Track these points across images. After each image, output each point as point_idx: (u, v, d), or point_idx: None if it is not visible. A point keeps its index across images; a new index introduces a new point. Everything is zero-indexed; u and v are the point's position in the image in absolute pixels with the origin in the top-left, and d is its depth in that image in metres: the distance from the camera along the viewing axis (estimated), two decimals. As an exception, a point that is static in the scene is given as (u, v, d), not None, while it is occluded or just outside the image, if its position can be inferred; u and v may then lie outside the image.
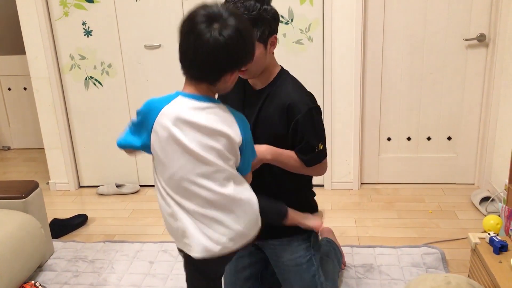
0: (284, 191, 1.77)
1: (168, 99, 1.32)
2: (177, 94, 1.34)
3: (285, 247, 1.82)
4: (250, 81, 1.75)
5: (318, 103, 1.72)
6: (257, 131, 1.68)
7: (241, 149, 1.39)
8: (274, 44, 1.63)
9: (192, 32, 1.25)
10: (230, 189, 1.35)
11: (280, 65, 1.75)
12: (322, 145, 1.71)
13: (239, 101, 1.76)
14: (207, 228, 1.35)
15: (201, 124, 1.30)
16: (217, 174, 1.33)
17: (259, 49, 1.56)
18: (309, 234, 1.86)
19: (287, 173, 1.73)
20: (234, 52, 1.27)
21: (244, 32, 1.28)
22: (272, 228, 1.61)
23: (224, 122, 1.34)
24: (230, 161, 1.36)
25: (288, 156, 1.69)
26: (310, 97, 1.71)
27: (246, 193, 1.41)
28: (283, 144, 1.69)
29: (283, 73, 1.73)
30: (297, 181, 1.79)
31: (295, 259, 1.81)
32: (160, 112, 1.30)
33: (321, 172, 1.78)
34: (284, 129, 1.68)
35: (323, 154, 1.72)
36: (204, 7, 1.28)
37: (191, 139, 1.30)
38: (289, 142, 1.70)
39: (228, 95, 1.53)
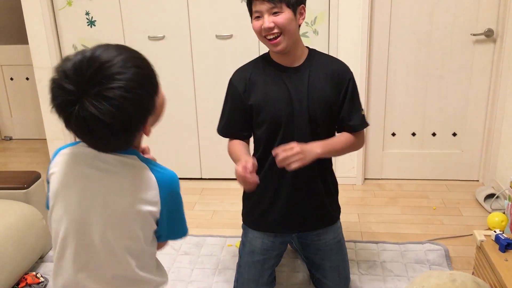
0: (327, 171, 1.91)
1: None
2: None
3: (328, 229, 1.94)
4: (285, 60, 1.76)
5: None
6: (313, 106, 1.71)
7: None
8: (302, 15, 1.69)
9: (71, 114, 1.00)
10: None
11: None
12: (363, 110, 1.83)
13: (282, 84, 1.75)
14: None
15: None
16: None
17: (288, 14, 1.61)
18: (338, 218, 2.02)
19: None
20: (135, 107, 1.02)
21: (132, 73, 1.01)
22: (310, 221, 1.88)
23: None
24: None
25: (336, 140, 1.77)
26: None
27: None
28: (337, 115, 1.78)
29: (314, 50, 1.82)
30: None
31: (336, 236, 1.97)
32: None
33: (363, 141, 1.88)
34: (336, 95, 1.75)
35: (366, 119, 1.84)
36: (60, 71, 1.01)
37: None
38: (339, 110, 1.77)
39: (268, 87, 1.68)
